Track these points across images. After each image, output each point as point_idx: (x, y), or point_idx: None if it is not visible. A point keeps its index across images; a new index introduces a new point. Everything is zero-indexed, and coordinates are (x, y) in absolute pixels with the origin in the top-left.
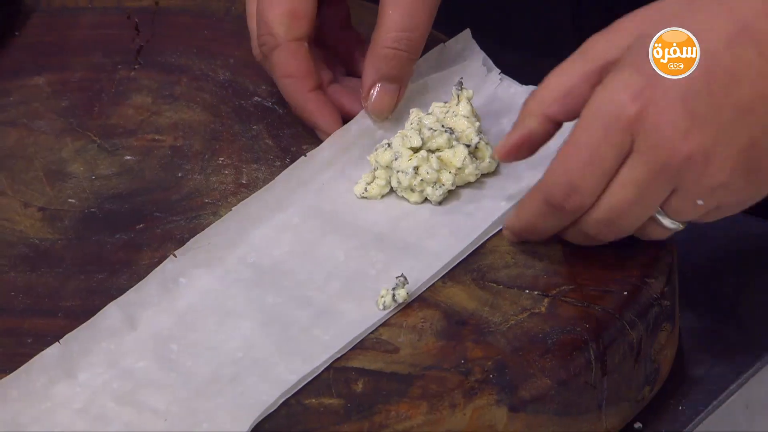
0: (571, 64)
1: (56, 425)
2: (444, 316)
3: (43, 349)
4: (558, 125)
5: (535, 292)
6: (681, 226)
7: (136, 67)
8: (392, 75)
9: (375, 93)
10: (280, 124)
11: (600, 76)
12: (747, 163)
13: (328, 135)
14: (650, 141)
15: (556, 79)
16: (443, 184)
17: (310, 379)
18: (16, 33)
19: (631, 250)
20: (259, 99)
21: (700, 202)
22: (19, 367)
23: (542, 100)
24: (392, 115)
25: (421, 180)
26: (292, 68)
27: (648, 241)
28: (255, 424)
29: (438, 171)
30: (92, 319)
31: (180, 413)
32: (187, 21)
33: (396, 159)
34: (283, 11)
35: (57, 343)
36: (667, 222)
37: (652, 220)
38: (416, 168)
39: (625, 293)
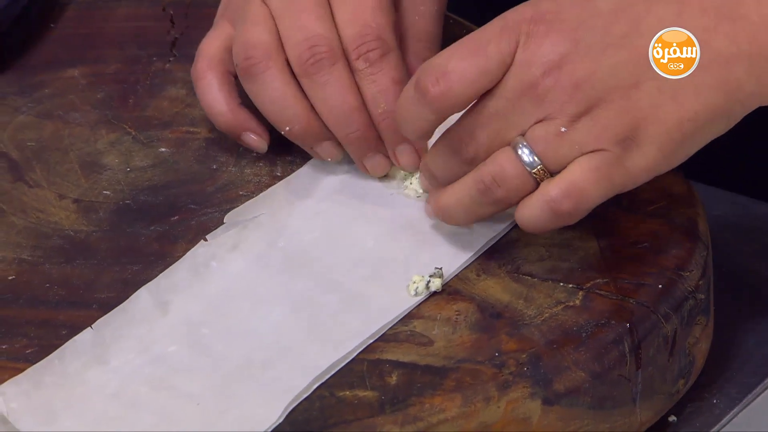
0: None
1: (90, 411)
2: (478, 309)
3: None
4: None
5: (570, 285)
6: (537, 166)
7: (170, 59)
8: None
9: (402, 153)
10: None
11: None
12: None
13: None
14: (528, 54)
15: None
16: None
17: (341, 365)
18: (52, 25)
19: (666, 244)
20: None
21: (563, 129)
22: None
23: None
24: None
25: None
26: (402, 73)
27: (680, 235)
28: (287, 410)
29: None
30: (123, 304)
31: (212, 398)
32: None
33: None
34: (389, 21)
35: (89, 328)
36: (525, 152)
37: (510, 149)
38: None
39: (660, 286)
